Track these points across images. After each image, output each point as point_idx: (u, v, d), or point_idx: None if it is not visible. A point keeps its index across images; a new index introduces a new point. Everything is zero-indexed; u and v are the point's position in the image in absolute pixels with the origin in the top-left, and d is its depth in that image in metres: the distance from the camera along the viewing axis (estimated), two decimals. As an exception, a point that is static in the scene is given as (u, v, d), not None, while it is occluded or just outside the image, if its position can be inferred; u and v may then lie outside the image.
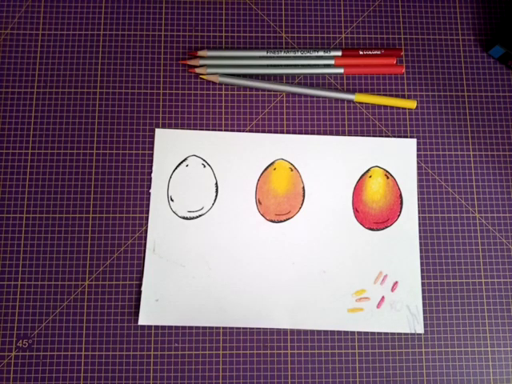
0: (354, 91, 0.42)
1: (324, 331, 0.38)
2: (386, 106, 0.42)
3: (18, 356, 0.37)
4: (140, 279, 0.38)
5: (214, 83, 0.42)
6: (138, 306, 0.38)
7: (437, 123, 0.42)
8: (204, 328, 0.38)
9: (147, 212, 0.39)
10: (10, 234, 0.39)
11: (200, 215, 0.39)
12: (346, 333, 0.38)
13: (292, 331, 0.38)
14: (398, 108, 0.42)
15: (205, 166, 0.40)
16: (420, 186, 0.41)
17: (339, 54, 0.42)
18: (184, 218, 0.39)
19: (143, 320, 0.37)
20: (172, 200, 0.40)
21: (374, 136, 0.41)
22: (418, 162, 0.41)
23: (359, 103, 0.42)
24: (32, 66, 0.41)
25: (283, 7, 0.43)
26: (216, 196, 0.40)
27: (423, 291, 0.39)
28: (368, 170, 0.41)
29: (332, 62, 0.42)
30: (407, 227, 0.40)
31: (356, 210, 0.40)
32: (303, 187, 0.40)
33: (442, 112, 0.42)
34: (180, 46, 0.42)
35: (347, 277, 0.39)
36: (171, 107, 0.41)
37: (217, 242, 0.39)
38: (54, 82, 0.41)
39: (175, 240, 0.39)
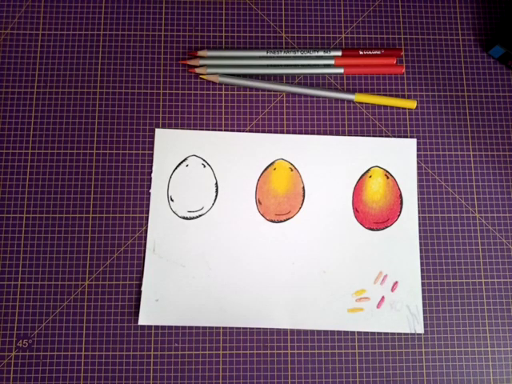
0: (354, 91, 0.42)
1: (324, 331, 0.38)
2: (386, 106, 0.42)
3: (18, 356, 0.37)
4: (140, 279, 0.38)
5: (214, 83, 0.42)
6: (138, 306, 0.38)
7: (437, 123, 0.42)
8: (204, 328, 0.38)
9: (147, 212, 0.39)
10: (10, 233, 0.39)
11: (200, 215, 0.39)
12: (346, 333, 0.38)
13: (292, 331, 0.38)
14: (398, 108, 0.42)
15: (205, 166, 0.40)
16: (420, 186, 0.41)
17: (339, 54, 0.42)
18: (184, 218, 0.39)
19: (143, 320, 0.37)
20: (172, 200, 0.40)
21: (374, 136, 0.41)
22: (418, 162, 0.41)
23: (359, 103, 0.42)
24: (32, 66, 0.41)
25: (283, 7, 0.43)
26: (216, 196, 0.40)
27: (423, 291, 0.39)
28: (368, 170, 0.41)
29: (332, 62, 0.42)
30: (407, 227, 0.40)
31: (356, 210, 0.40)
32: (303, 187, 0.40)
33: (442, 112, 0.42)
34: (180, 46, 0.42)
35: (347, 277, 0.39)
36: (171, 107, 0.41)
37: (217, 242, 0.39)
38: (54, 82, 0.41)
39: (175, 240, 0.39)
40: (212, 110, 0.41)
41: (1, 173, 0.40)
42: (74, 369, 0.37)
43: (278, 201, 0.40)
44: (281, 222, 0.39)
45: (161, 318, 0.37)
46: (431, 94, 0.42)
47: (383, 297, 0.38)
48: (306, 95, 0.42)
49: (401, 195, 0.40)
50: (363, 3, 0.44)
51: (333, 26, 0.43)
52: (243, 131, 0.41)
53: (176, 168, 0.40)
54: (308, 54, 0.42)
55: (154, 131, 0.41)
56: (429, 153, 0.41)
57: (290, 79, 0.42)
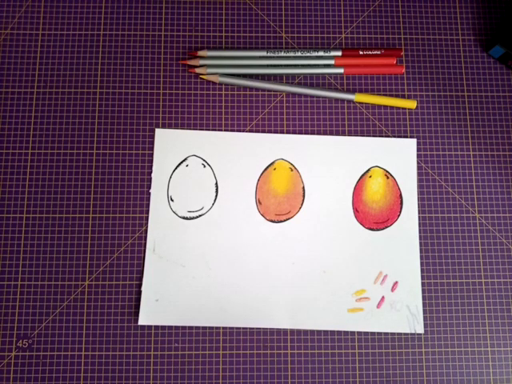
0: (354, 91, 0.42)
1: (324, 331, 0.38)
2: (386, 106, 0.42)
3: (18, 356, 0.37)
4: (140, 279, 0.38)
5: (214, 83, 0.42)
6: (138, 306, 0.38)
7: (437, 123, 0.42)
8: (204, 328, 0.38)
9: (147, 212, 0.39)
10: (10, 233, 0.39)
11: (200, 215, 0.39)
12: (346, 333, 0.38)
13: (292, 331, 0.38)
14: (398, 108, 0.42)
15: (205, 166, 0.40)
16: (420, 186, 0.41)
17: (339, 54, 0.42)
18: (184, 218, 0.39)
19: (143, 320, 0.37)
20: (172, 200, 0.40)
21: (374, 136, 0.41)
22: (418, 162, 0.41)
23: (359, 103, 0.42)
24: (32, 66, 0.41)
25: (283, 7, 0.43)
26: (216, 196, 0.40)
27: (423, 291, 0.39)
28: (368, 170, 0.41)
29: (332, 62, 0.42)
30: (407, 227, 0.40)
31: (356, 210, 0.40)
32: (303, 187, 0.40)
33: (442, 112, 0.42)
34: (180, 46, 0.42)
35: (347, 277, 0.39)
36: (171, 107, 0.41)
37: (217, 242, 0.39)
38: (54, 82, 0.41)
39: (175, 240, 0.39)
40: (212, 110, 0.41)
41: (1, 173, 0.40)
42: (74, 369, 0.37)
43: (278, 201, 0.40)
44: (281, 221, 0.39)
45: (161, 318, 0.37)
46: (431, 93, 0.42)
47: (383, 297, 0.38)
48: (306, 95, 0.42)
49: (401, 195, 0.40)
50: (363, 3, 0.44)
51: (333, 26, 0.43)
52: (243, 131, 0.41)
53: (176, 168, 0.40)
54: (308, 54, 0.42)
55: (153, 131, 0.41)
56: (429, 153, 0.41)
57: (290, 79, 0.42)
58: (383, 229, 0.40)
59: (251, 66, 0.41)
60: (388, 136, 0.41)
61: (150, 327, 0.38)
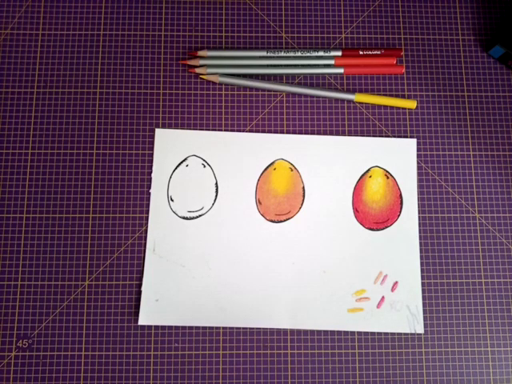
0: (354, 91, 0.42)
1: (324, 331, 0.38)
2: (386, 106, 0.42)
3: (18, 356, 0.37)
4: (140, 279, 0.38)
5: (214, 83, 0.42)
6: (138, 306, 0.38)
7: (437, 123, 0.42)
8: (204, 328, 0.38)
9: (147, 212, 0.39)
10: (10, 233, 0.39)
11: (200, 215, 0.39)
12: (346, 333, 0.38)
13: (292, 331, 0.38)
14: (398, 108, 0.42)
15: (205, 166, 0.40)
16: (420, 186, 0.41)
17: (339, 54, 0.42)
18: (184, 218, 0.39)
19: (143, 320, 0.37)
20: (172, 200, 0.40)
21: (374, 136, 0.41)
22: (418, 162, 0.41)
23: (359, 103, 0.42)
24: (32, 66, 0.41)
25: (283, 7, 0.43)
26: (216, 196, 0.40)
27: (423, 291, 0.39)
28: (368, 170, 0.41)
29: (332, 62, 0.42)
30: (407, 227, 0.40)
31: (356, 210, 0.40)
32: (303, 187, 0.40)
33: (442, 112, 0.42)
34: (180, 46, 0.42)
35: (347, 277, 0.39)
36: (171, 107, 0.41)
37: (217, 241, 0.39)
38: (54, 82, 0.41)
39: (175, 240, 0.39)
40: (212, 110, 0.41)
41: (1, 173, 0.40)
42: (74, 369, 0.37)
43: (278, 201, 0.40)
44: (281, 221, 0.39)
45: (161, 318, 0.37)
46: (431, 94, 0.42)
47: (383, 297, 0.38)
48: (306, 95, 0.42)
49: (401, 195, 0.40)
50: (363, 3, 0.44)
51: (333, 26, 0.43)
52: (243, 131, 0.41)
53: (176, 168, 0.40)
54: (308, 54, 0.42)
55: (154, 131, 0.41)
56: (429, 153, 0.41)
57: (290, 79, 0.42)
58: (383, 229, 0.40)
59: (251, 66, 0.41)
60: (388, 136, 0.41)
61: (150, 327, 0.38)
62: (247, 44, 0.43)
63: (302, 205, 0.40)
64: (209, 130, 0.41)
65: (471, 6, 0.44)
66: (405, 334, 0.38)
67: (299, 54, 0.42)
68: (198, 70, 0.41)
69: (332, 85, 0.42)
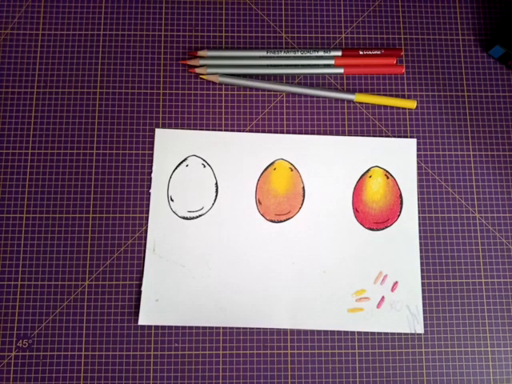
0: (354, 91, 0.42)
1: (324, 331, 0.38)
2: (386, 106, 0.42)
3: (18, 356, 0.37)
4: (140, 279, 0.38)
5: (214, 83, 0.42)
6: (138, 306, 0.38)
7: (437, 123, 0.42)
8: (204, 328, 0.38)
9: (147, 212, 0.39)
10: (10, 233, 0.39)
11: (200, 215, 0.39)
12: (346, 333, 0.38)
13: (292, 331, 0.38)
14: (398, 108, 0.42)
15: (205, 166, 0.40)
16: (420, 186, 0.41)
17: (339, 54, 0.42)
18: (184, 218, 0.39)
19: (143, 320, 0.37)
20: (172, 200, 0.40)
21: (374, 136, 0.41)
22: (418, 162, 0.41)
23: (359, 103, 0.42)
24: (32, 66, 0.41)
25: (283, 7, 0.43)
26: (216, 196, 0.40)
27: (423, 291, 0.39)
28: (368, 170, 0.41)
29: (332, 62, 0.42)
30: (407, 227, 0.40)
31: (356, 210, 0.40)
32: (303, 187, 0.40)
33: (442, 112, 0.42)
34: (180, 46, 0.42)
35: (347, 277, 0.39)
36: (171, 107, 0.41)
37: (217, 241, 0.39)
38: (54, 82, 0.41)
39: (175, 240, 0.39)
40: (212, 110, 0.41)
41: (1, 173, 0.40)
42: (74, 369, 0.37)
43: (278, 201, 0.40)
44: (281, 221, 0.39)
45: (161, 318, 0.37)
46: (431, 94, 0.42)
47: (383, 297, 0.38)
48: (306, 95, 0.42)
49: (401, 195, 0.40)
50: (363, 3, 0.44)
51: (333, 26, 0.43)
52: (243, 131, 0.41)
53: (176, 168, 0.40)
54: (308, 54, 0.42)
55: (154, 131, 0.41)
56: (429, 153, 0.41)
57: (290, 79, 0.42)
58: (383, 229, 0.40)
59: (251, 66, 0.41)
60: (388, 136, 0.41)
61: (150, 327, 0.38)
62: (247, 44, 0.43)
63: (302, 205, 0.40)
64: (209, 129, 0.41)
65: (471, 6, 0.44)
66: (405, 334, 0.38)
67: (299, 53, 0.42)
68: (197, 70, 0.41)
69: (332, 85, 0.42)
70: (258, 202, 0.40)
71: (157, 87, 0.41)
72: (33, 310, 0.38)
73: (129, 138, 0.41)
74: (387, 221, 0.40)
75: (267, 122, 0.41)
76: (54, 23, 0.42)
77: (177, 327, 0.38)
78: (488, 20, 0.44)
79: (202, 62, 0.41)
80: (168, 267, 0.38)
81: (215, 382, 0.37)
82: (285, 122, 0.41)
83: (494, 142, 0.42)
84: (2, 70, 0.41)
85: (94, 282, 0.38)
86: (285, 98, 0.42)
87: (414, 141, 0.41)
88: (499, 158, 0.41)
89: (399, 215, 0.40)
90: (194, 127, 0.41)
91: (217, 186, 0.40)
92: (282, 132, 0.41)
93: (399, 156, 0.41)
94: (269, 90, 0.42)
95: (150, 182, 0.40)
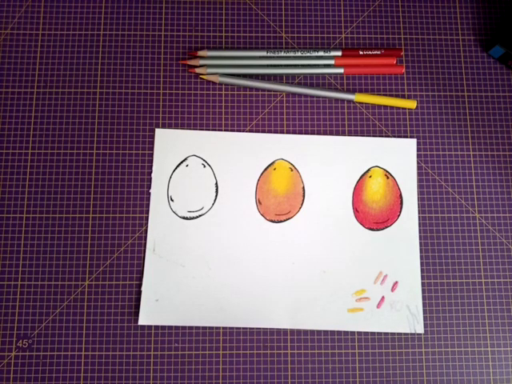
0: (354, 91, 0.42)
1: (324, 331, 0.38)
2: (386, 106, 0.42)
3: (18, 356, 0.37)
4: (140, 279, 0.38)
5: (214, 83, 0.42)
6: (138, 306, 0.38)
7: (437, 123, 0.42)
8: (204, 328, 0.38)
9: (147, 212, 0.39)
10: (10, 234, 0.39)
11: (200, 215, 0.39)
12: (346, 333, 0.38)
13: (292, 331, 0.38)
14: (398, 108, 0.42)
15: (205, 166, 0.40)
16: (420, 186, 0.41)
17: (339, 54, 0.42)
18: (184, 218, 0.39)
19: (143, 320, 0.37)
20: (172, 200, 0.40)
21: (374, 136, 0.41)
22: (418, 162, 0.41)
23: (359, 103, 0.42)
24: (32, 66, 0.41)
25: (283, 7, 0.43)
26: (216, 196, 0.40)
27: (423, 291, 0.39)
28: (368, 170, 0.41)
29: (332, 62, 0.42)
30: (407, 227, 0.40)
31: (356, 210, 0.40)
32: (303, 187, 0.40)
33: (442, 112, 0.42)
34: (180, 46, 0.42)
35: (347, 277, 0.39)
36: (171, 107, 0.41)
37: (217, 241, 0.39)
38: (54, 82, 0.41)
39: (175, 240, 0.39)
40: (212, 110, 0.41)
41: (1, 173, 0.40)
42: (74, 369, 0.37)
43: (278, 201, 0.40)
44: (281, 221, 0.39)
45: (161, 318, 0.37)
46: (431, 94, 0.42)
47: (383, 297, 0.38)
48: (306, 95, 0.42)
49: (401, 195, 0.40)
50: (363, 3, 0.44)
51: (333, 26, 0.43)
52: (243, 131, 0.41)
53: (176, 168, 0.40)
54: (308, 54, 0.42)
55: (154, 131, 0.41)
56: (429, 153, 0.41)
57: (290, 79, 0.42)
58: (383, 229, 0.40)
59: (251, 66, 0.41)
60: (388, 136, 0.41)
61: (150, 327, 0.38)
62: (247, 44, 0.43)
63: (302, 205, 0.40)
64: (209, 129, 0.41)
65: (471, 6, 0.44)
66: (405, 333, 0.38)
67: (299, 53, 0.42)
68: (197, 70, 0.41)
69: (332, 85, 0.42)
70: (258, 202, 0.40)
71: (157, 87, 0.41)
72: (33, 310, 0.38)
73: (129, 138, 0.41)
74: (387, 221, 0.40)
75: (267, 122, 0.41)
76: (54, 23, 0.42)
77: (177, 327, 0.38)
78: (488, 20, 0.44)
79: (201, 61, 0.41)
80: (168, 267, 0.38)
81: (215, 381, 0.37)
82: (285, 122, 0.41)
83: (494, 142, 0.42)
84: (2, 69, 0.41)
85: (93, 282, 0.38)
86: (285, 98, 0.42)
87: (414, 141, 0.41)
88: (499, 158, 0.41)
89: (399, 215, 0.40)
90: (194, 127, 0.41)
91: (217, 186, 0.40)
92: (282, 132, 0.41)
93: (399, 156, 0.41)
94: (269, 90, 0.42)
95: (150, 181, 0.40)
